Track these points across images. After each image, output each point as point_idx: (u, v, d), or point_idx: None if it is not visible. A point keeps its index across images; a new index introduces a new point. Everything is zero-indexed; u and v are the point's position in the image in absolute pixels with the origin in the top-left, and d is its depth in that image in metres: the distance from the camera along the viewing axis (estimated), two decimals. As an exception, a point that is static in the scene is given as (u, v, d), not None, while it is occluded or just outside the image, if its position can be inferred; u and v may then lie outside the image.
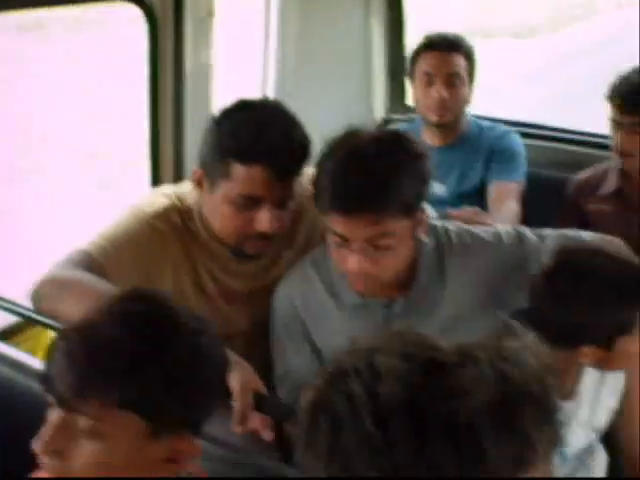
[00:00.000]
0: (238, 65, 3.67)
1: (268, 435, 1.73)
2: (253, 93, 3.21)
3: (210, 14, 2.70)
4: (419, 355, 0.92)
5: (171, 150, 2.67)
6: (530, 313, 1.75)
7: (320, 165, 1.80)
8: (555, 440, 0.92)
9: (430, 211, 2.78)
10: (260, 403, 1.75)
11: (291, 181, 1.92)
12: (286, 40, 3.11)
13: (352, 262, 1.76)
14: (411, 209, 1.77)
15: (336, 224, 1.75)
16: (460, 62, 2.88)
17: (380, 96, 3.52)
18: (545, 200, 2.82)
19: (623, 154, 2.59)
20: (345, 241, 1.76)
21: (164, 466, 1.25)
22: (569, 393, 1.83)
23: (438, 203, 2.81)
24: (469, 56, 2.91)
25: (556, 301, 1.70)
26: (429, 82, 2.87)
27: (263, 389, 1.81)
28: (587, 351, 1.70)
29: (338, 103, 3.28)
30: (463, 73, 2.88)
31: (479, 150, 2.95)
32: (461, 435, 0.86)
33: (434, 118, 2.91)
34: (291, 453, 1.83)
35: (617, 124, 2.56)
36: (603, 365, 1.75)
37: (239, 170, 1.88)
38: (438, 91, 2.85)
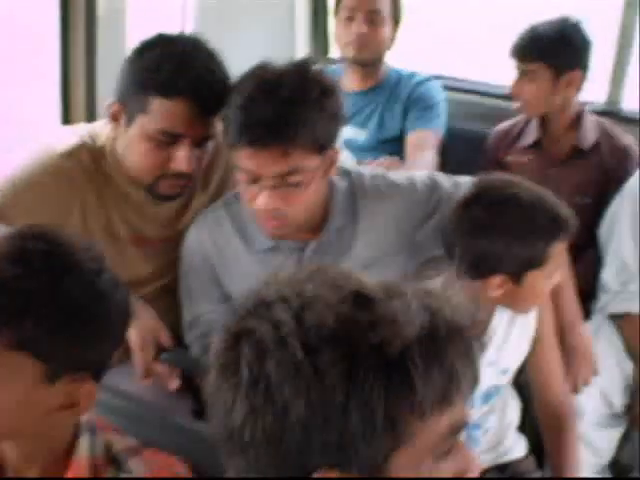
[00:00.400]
0: (156, 9, 3.56)
1: (173, 384, 1.69)
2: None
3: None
4: (347, 287, 0.90)
5: (83, 91, 2.60)
6: (445, 243, 1.76)
7: (229, 99, 1.73)
8: (476, 380, 0.91)
9: (350, 156, 2.76)
10: (164, 354, 1.70)
11: (211, 119, 1.84)
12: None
13: (261, 199, 1.71)
14: (322, 146, 1.71)
15: (245, 159, 1.69)
16: (383, 1, 2.86)
17: (302, 45, 3.48)
18: (466, 154, 2.81)
19: (516, 98, 2.67)
20: (255, 178, 1.70)
21: (62, 412, 1.20)
22: (481, 330, 1.82)
23: (359, 149, 2.83)
24: None
25: (471, 229, 1.69)
26: (350, 17, 2.86)
27: (167, 339, 1.77)
28: (496, 281, 1.69)
29: (259, 51, 3.20)
30: (385, 12, 2.86)
31: (398, 97, 2.92)
32: (391, 366, 0.84)
33: (352, 53, 2.89)
34: (203, 407, 1.79)
35: (516, 69, 2.65)
36: (511, 300, 1.75)
37: (160, 103, 1.79)
38: (358, 26, 2.84)
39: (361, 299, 0.88)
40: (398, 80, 2.95)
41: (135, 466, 1.29)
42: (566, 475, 1.93)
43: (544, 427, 2.00)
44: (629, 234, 2.48)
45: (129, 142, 1.87)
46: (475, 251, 1.68)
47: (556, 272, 1.75)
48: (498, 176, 1.81)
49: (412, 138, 2.83)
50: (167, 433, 1.58)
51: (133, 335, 1.66)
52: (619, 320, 2.49)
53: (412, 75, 2.97)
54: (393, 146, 2.86)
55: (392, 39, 2.91)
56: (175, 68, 1.78)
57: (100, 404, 1.30)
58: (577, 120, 2.68)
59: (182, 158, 1.82)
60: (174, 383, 1.70)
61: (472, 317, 0.91)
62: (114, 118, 1.88)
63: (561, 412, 1.98)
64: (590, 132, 2.68)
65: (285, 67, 1.72)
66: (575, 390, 2.14)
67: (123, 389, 1.65)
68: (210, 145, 1.90)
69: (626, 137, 2.72)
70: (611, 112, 3.03)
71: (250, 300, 0.92)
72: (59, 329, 1.15)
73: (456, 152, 2.86)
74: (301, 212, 1.76)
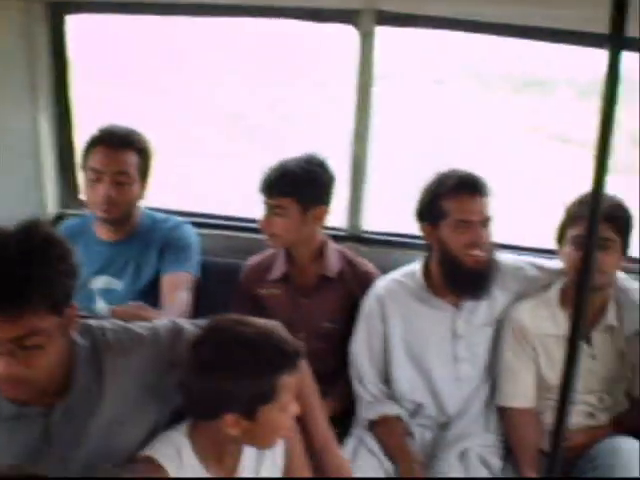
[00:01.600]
0: None
1: None
2: None
3: None
4: None
5: None
6: (181, 387, 1.80)
7: None
8: None
9: (104, 307, 2.75)
10: None
11: None
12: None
13: (0, 366, 1.69)
14: (58, 305, 1.72)
15: None
16: (130, 159, 2.82)
17: (52, 192, 3.44)
18: (222, 287, 2.89)
19: (265, 232, 2.78)
20: None
21: None
22: (231, 471, 1.89)
23: (116, 299, 2.80)
24: (142, 151, 2.86)
25: (200, 369, 1.76)
26: (97, 179, 2.80)
27: None
28: (230, 419, 1.76)
29: (8, 201, 3.17)
30: (133, 170, 2.82)
31: (153, 243, 2.92)
32: None
33: (101, 215, 2.85)
34: None
35: (264, 204, 2.77)
36: (251, 437, 1.81)
37: None
38: (105, 189, 2.78)
39: None
40: (152, 225, 2.95)
41: None
42: None
43: None
44: (365, 351, 2.69)
45: None
46: (204, 391, 1.75)
47: (292, 403, 1.83)
48: (228, 316, 1.88)
49: (167, 280, 2.84)
50: None
51: None
52: (375, 427, 2.64)
53: (166, 219, 2.98)
54: (151, 293, 2.84)
55: (142, 193, 2.90)
56: None
57: None
58: (321, 250, 2.83)
59: None
60: None
61: None
62: None
63: None
64: (334, 260, 2.84)
65: (13, 230, 1.72)
66: None
67: None
68: None
69: (366, 263, 2.90)
70: (354, 236, 3.24)
71: None
72: None
73: (214, 287, 2.92)
74: (44, 374, 1.74)
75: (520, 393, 2.62)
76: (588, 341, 2.55)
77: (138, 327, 1.98)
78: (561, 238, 2.60)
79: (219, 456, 1.87)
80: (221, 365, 1.74)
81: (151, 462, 1.80)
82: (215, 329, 1.82)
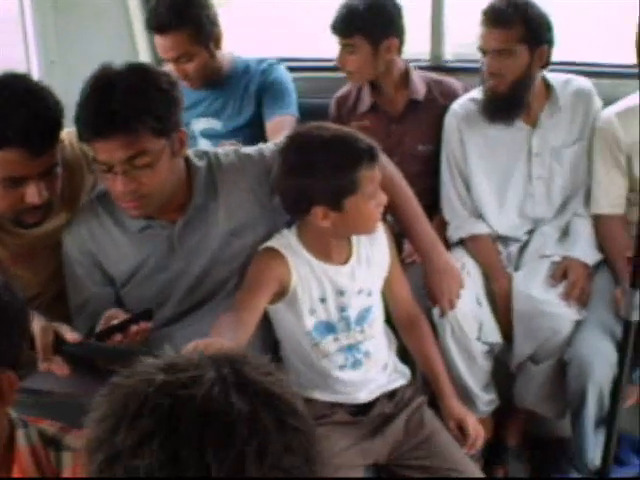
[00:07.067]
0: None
1: (61, 370, 1.80)
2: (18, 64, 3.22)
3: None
4: None
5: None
6: (277, 189, 2.02)
7: (78, 100, 1.88)
8: None
9: (208, 144, 2.92)
10: (67, 346, 1.81)
11: (50, 152, 1.97)
12: (43, 13, 3.12)
13: (118, 185, 1.90)
14: (164, 130, 1.89)
15: (97, 151, 1.87)
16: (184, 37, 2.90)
17: (144, 50, 3.59)
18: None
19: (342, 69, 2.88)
20: (108, 167, 1.88)
21: None
22: (345, 259, 2.10)
23: (216, 137, 3.01)
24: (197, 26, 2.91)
25: (285, 172, 1.96)
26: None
27: (70, 333, 1.84)
28: (319, 211, 1.94)
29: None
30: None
31: (249, 85, 3.07)
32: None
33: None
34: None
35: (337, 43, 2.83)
36: (345, 226, 2.00)
37: None
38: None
39: None
40: (246, 68, 3.09)
41: (71, 442, 1.45)
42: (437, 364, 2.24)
43: (403, 330, 2.29)
44: (447, 173, 2.82)
45: None
46: (293, 190, 1.94)
47: (379, 193, 1.99)
48: (311, 124, 2.02)
49: (271, 125, 2.99)
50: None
51: (35, 328, 1.79)
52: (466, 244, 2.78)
53: (259, 61, 3.11)
54: (247, 132, 3.01)
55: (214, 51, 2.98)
56: (0, 120, 1.88)
57: (22, 405, 1.46)
58: (405, 77, 2.91)
59: (32, 194, 1.97)
60: (63, 370, 1.79)
61: None
62: None
63: (414, 311, 2.28)
64: (420, 84, 2.92)
65: (122, 66, 1.90)
66: (451, 306, 2.40)
67: (39, 388, 1.82)
68: (58, 169, 2.03)
69: (453, 81, 2.97)
70: (437, 66, 3.27)
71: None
72: None
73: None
74: (156, 191, 1.94)
75: (611, 201, 2.66)
76: None
77: (247, 149, 2.18)
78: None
79: (326, 251, 2.06)
80: (302, 165, 1.91)
81: (271, 250, 2.02)
82: (296, 135, 2.00)
